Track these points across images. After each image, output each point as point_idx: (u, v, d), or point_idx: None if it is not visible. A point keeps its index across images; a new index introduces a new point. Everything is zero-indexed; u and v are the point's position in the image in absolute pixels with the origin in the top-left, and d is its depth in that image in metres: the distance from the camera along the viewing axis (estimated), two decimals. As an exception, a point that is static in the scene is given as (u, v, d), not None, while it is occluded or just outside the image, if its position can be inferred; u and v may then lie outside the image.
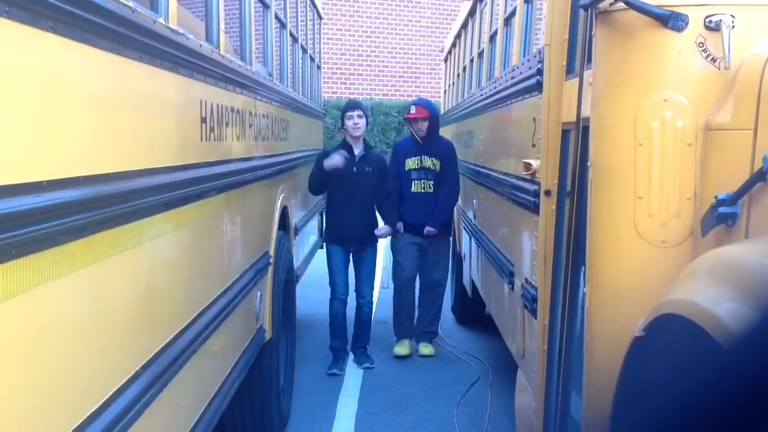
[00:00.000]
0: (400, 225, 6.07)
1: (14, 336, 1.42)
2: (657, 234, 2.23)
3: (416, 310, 6.38)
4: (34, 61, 1.50)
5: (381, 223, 6.01)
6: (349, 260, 5.89)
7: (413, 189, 6.13)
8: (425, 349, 6.26)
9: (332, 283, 5.86)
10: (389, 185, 5.90)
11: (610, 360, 2.13)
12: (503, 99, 4.59)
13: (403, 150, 6.28)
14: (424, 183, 6.13)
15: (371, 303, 6.00)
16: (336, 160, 5.56)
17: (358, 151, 5.76)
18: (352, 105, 5.99)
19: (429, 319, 6.33)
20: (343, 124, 5.84)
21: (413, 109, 6.17)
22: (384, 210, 5.96)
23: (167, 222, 2.35)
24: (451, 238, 6.70)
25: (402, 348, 6.19)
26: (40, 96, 1.53)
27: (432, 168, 6.13)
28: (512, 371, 4.06)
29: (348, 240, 5.78)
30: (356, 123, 5.73)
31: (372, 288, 6.00)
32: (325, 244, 6.05)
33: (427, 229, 6.06)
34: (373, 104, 16.21)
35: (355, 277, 5.95)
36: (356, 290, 5.94)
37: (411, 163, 6.15)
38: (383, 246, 6.70)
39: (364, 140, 5.85)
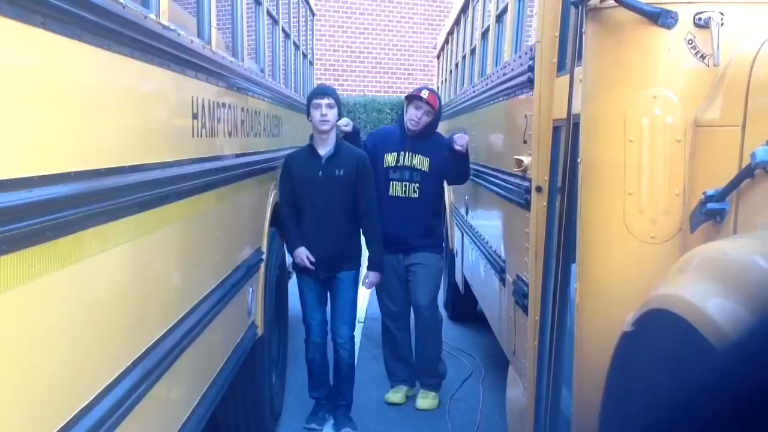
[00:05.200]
0: None
1: (5, 331, 1.43)
2: (646, 230, 2.24)
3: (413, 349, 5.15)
4: (24, 57, 1.50)
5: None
6: (325, 292, 4.65)
7: (391, 192, 4.84)
8: (424, 401, 4.96)
9: (305, 323, 4.66)
10: (370, 192, 4.54)
11: (600, 355, 2.14)
12: (495, 96, 4.60)
13: (382, 141, 4.99)
14: (406, 186, 4.83)
15: (352, 346, 4.66)
16: (300, 261, 4.50)
17: (325, 150, 4.45)
18: (320, 91, 4.56)
19: (430, 359, 5.03)
20: (309, 114, 4.52)
21: (425, 93, 4.87)
22: (366, 234, 4.63)
23: (159, 218, 2.35)
24: (443, 254, 5.28)
25: (396, 395, 5.04)
26: (31, 92, 1.53)
27: (419, 167, 4.85)
28: (504, 367, 4.07)
29: (318, 266, 4.49)
30: (323, 114, 4.38)
31: (353, 326, 4.67)
32: (294, 273, 4.77)
33: (456, 146, 4.73)
34: (367, 101, 16.20)
35: (331, 310, 4.66)
36: (331, 329, 4.64)
37: (391, 158, 4.87)
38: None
39: (337, 136, 4.57)
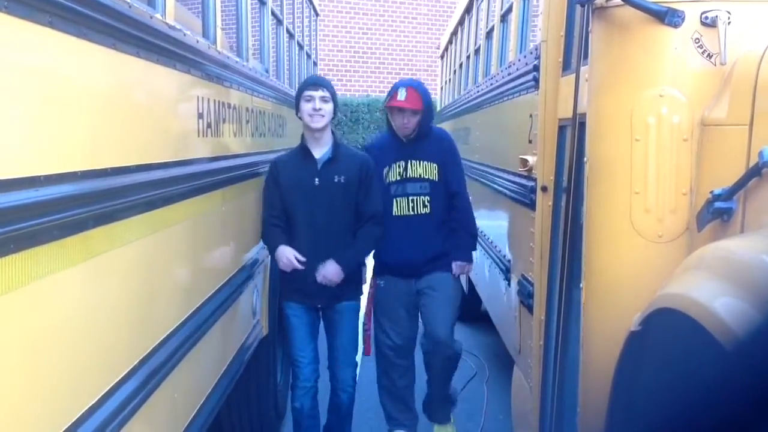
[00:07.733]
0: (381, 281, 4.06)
1: (12, 330, 1.43)
2: (653, 229, 2.24)
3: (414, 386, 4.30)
4: (31, 57, 1.50)
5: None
6: (317, 324, 3.84)
7: (395, 211, 3.94)
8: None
9: (292, 361, 3.86)
10: (376, 200, 3.76)
11: (606, 355, 2.14)
12: (500, 95, 4.60)
13: (379, 153, 4.00)
14: (413, 201, 3.94)
15: (353, 388, 3.88)
16: (285, 262, 3.65)
17: (321, 153, 3.68)
18: (313, 82, 3.78)
19: (444, 395, 4.24)
20: (298, 110, 3.73)
21: (402, 94, 3.87)
22: (359, 234, 3.73)
23: (165, 217, 2.36)
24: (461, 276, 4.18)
25: None
26: (38, 91, 1.54)
27: (427, 176, 3.96)
28: (508, 367, 4.07)
29: (312, 293, 3.68)
30: (317, 108, 3.62)
31: (354, 366, 3.90)
32: (280, 301, 4.01)
33: (457, 264, 4.01)
34: (370, 101, 16.20)
35: (328, 348, 3.86)
36: (329, 368, 3.87)
37: (392, 172, 3.96)
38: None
39: (334, 135, 3.76)
